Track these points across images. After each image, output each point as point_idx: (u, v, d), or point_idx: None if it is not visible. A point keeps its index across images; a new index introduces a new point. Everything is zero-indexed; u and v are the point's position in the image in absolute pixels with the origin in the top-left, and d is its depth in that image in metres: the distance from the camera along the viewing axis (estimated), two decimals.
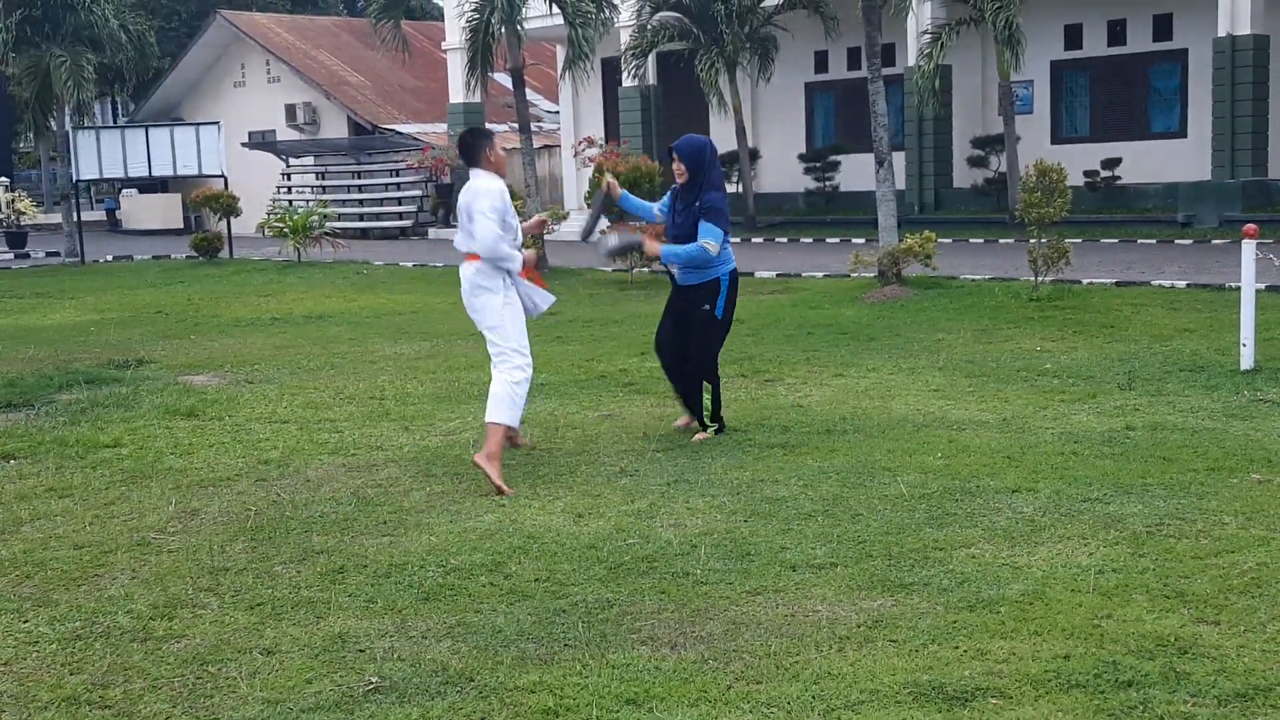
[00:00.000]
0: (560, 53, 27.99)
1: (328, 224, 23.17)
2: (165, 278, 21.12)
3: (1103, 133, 23.83)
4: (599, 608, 4.81)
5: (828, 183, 26.40)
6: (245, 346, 12.50)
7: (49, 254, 27.51)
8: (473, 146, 7.00)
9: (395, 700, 4.08)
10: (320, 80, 34.19)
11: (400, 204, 31.44)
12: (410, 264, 21.68)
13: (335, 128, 34.26)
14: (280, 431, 8.24)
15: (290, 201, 30.72)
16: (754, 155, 26.83)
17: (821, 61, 27.16)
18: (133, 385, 10.11)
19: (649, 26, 24.29)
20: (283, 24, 37.50)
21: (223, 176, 25.54)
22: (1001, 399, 8.54)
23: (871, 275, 14.72)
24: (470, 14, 22.06)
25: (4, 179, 32.95)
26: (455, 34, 27.87)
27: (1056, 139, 24.25)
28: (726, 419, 7.78)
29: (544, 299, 7.21)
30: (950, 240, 19.86)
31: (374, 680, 4.22)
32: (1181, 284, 13.91)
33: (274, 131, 35.12)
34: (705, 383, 7.60)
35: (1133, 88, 23.58)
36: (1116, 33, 23.57)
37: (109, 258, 26.07)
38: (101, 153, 24.84)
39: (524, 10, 21.51)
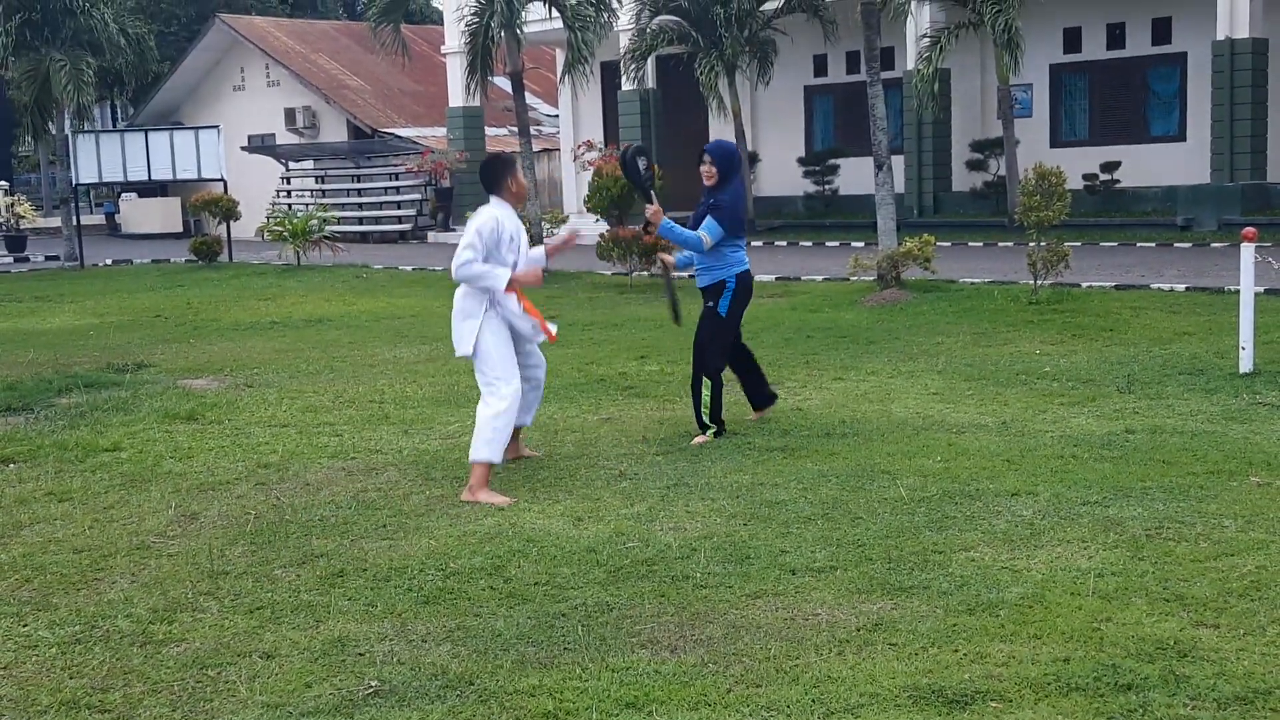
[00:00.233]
0: (560, 56, 28.00)
1: (327, 228, 23.17)
2: (164, 281, 21.12)
3: (1102, 136, 23.85)
4: (599, 611, 4.81)
5: (827, 186, 26.41)
6: (245, 350, 12.50)
7: (48, 258, 27.51)
8: (496, 174, 6.87)
9: (395, 704, 4.08)
10: (320, 84, 34.20)
11: (399, 208, 31.44)
12: (409, 268, 21.68)
13: (335, 131, 34.27)
14: (280, 435, 8.24)
15: (290, 205, 30.71)
16: (753, 159, 26.85)
17: (821, 65, 27.17)
18: (132, 389, 10.11)
19: (648, 30, 24.30)
20: (282, 28, 37.51)
21: (222, 180, 25.56)
22: (1001, 402, 8.54)
23: (871, 279, 14.73)
24: (470, 18, 22.07)
25: (3, 183, 32.97)
26: (455, 38, 27.89)
27: (1055, 142, 24.27)
28: (726, 421, 7.78)
29: (536, 331, 7.03)
30: (949, 244, 19.87)
31: (374, 684, 4.22)
32: (1181, 287, 13.92)
33: (273, 135, 35.14)
34: (707, 381, 7.65)
35: (1132, 91, 23.60)
36: (1115, 36, 23.59)
37: (108, 261, 26.07)
38: (101, 156, 24.85)
39: (523, 14, 21.52)
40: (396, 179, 31.57)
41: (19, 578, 5.49)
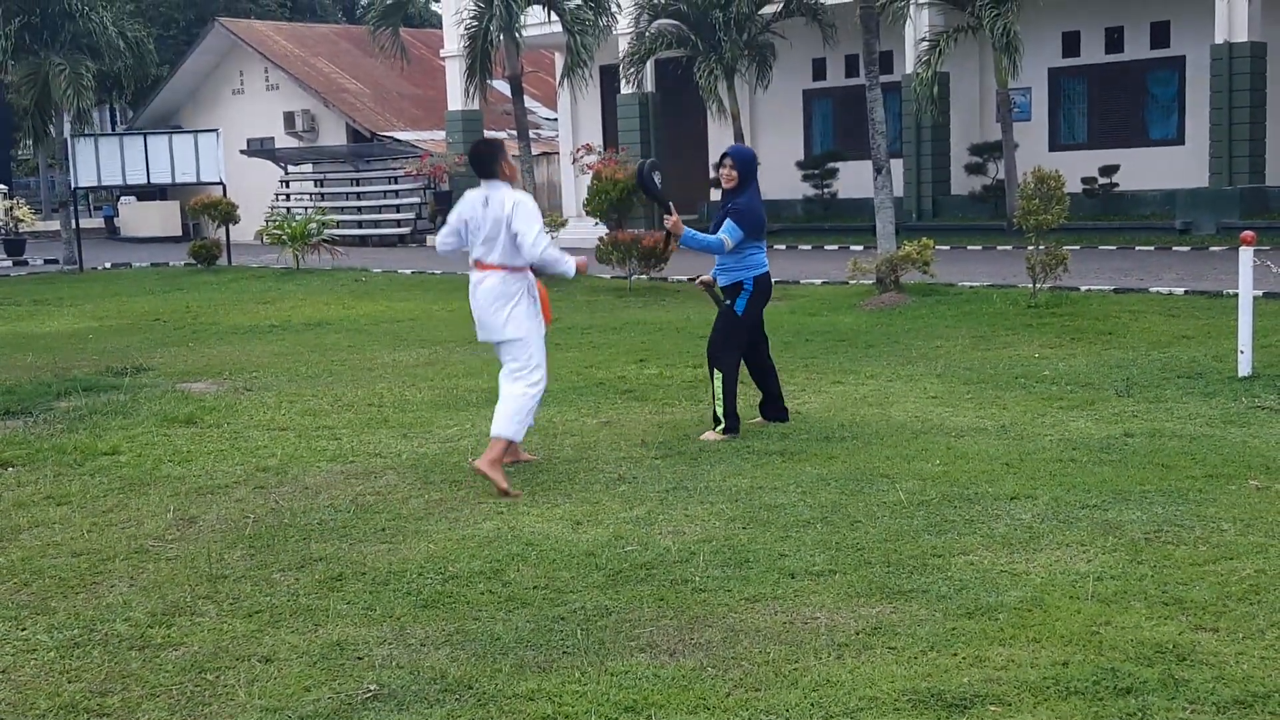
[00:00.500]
0: (559, 60, 28.01)
1: (326, 231, 23.17)
2: (163, 285, 21.11)
3: (1100, 140, 23.86)
4: (597, 615, 4.81)
5: (826, 190, 26.41)
6: (243, 354, 12.50)
7: (47, 261, 27.50)
8: (488, 157, 6.98)
9: (393, 708, 4.08)
10: (319, 88, 34.21)
11: (399, 211, 31.44)
12: (408, 271, 21.68)
13: (334, 135, 34.28)
14: (279, 439, 8.24)
15: (289, 209, 30.71)
16: None
17: (819, 69, 27.19)
18: (131, 393, 10.11)
19: (647, 34, 24.31)
20: (281, 31, 37.53)
21: (221, 184, 25.55)
22: (1000, 406, 8.54)
23: (870, 282, 14.74)
24: (469, 21, 22.09)
25: (2, 186, 32.94)
26: (454, 41, 27.90)
27: (1054, 146, 24.28)
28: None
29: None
30: (948, 247, 19.89)
31: (372, 688, 4.22)
32: (1179, 291, 13.92)
33: (272, 139, 35.14)
34: (718, 374, 7.80)
35: (1130, 95, 23.62)
36: (1114, 40, 23.61)
37: (107, 265, 26.06)
38: (100, 160, 24.85)
39: (522, 18, 21.55)
40: (395, 182, 31.58)
41: (17, 581, 5.48)
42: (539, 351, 7.07)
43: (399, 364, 11.44)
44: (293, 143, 34.50)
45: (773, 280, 8.21)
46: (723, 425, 7.77)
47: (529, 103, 27.15)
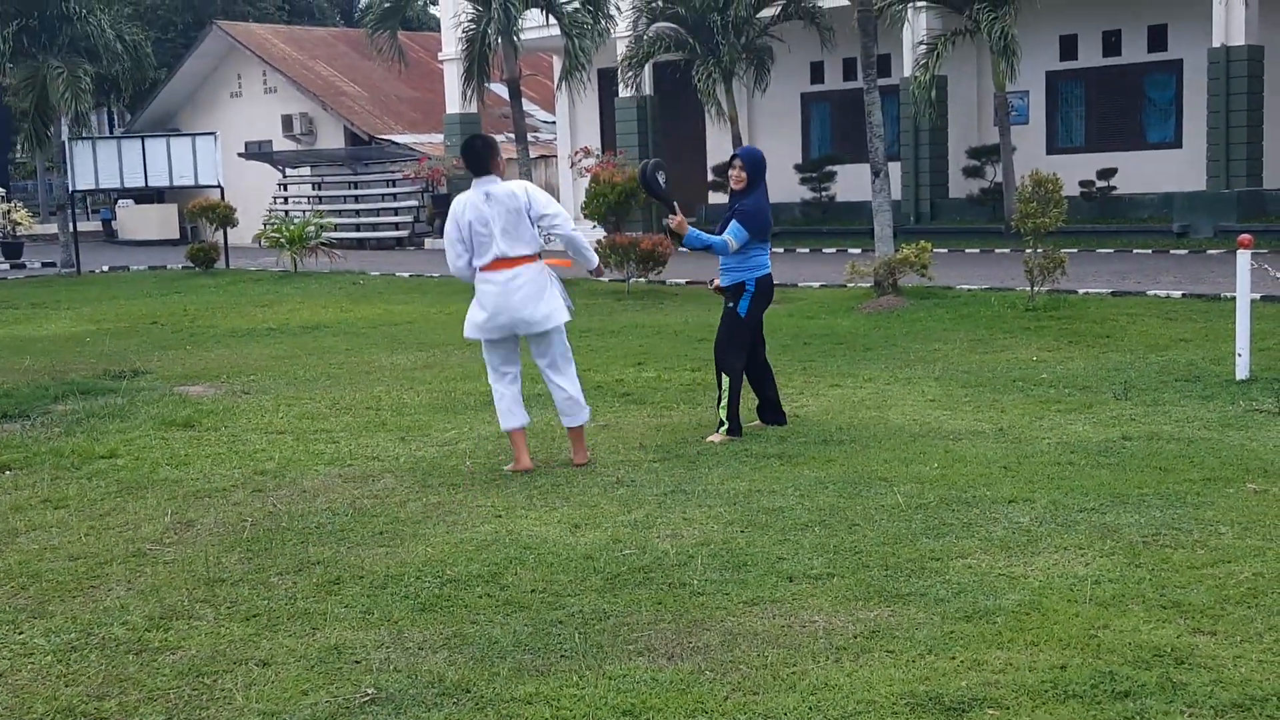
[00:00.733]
0: (557, 63, 28.03)
1: (324, 234, 23.17)
2: (161, 288, 21.10)
3: (1098, 143, 23.89)
4: (596, 619, 4.80)
5: (824, 193, 26.43)
6: (241, 357, 12.49)
7: (45, 264, 27.49)
8: (485, 153, 7.10)
9: (391, 712, 4.08)
10: (317, 91, 34.21)
11: (397, 214, 31.45)
12: (406, 274, 21.68)
13: (332, 138, 34.29)
14: (276, 442, 8.23)
15: (287, 212, 30.72)
16: None
17: (817, 72, 27.21)
18: (128, 396, 10.10)
19: (645, 37, 24.33)
20: (279, 35, 37.53)
21: (219, 187, 25.55)
22: (998, 409, 8.55)
23: (868, 285, 14.74)
24: (467, 25, 22.12)
25: (0, 189, 32.94)
26: (452, 45, 27.90)
27: (1052, 149, 24.30)
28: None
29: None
30: (946, 250, 19.89)
31: (370, 692, 4.22)
32: (1177, 294, 13.93)
33: (270, 142, 35.14)
34: (724, 375, 7.86)
35: (1128, 98, 23.64)
36: (1111, 43, 23.63)
37: (105, 268, 26.06)
38: (98, 163, 24.85)
39: (520, 21, 21.57)
40: (393, 186, 31.59)
41: (15, 585, 5.48)
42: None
43: (397, 367, 11.44)
44: (291, 146, 34.50)
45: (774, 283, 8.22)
46: (726, 427, 7.79)
47: (527, 106, 27.17)
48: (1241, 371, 9.13)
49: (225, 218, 24.71)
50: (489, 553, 5.65)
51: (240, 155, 32.82)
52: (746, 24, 23.54)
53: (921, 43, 22.54)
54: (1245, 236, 9.44)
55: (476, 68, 21.91)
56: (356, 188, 32.48)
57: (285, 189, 33.56)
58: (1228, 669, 4.12)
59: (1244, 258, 9.24)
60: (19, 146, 36.29)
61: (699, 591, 5.06)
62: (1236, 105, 20.54)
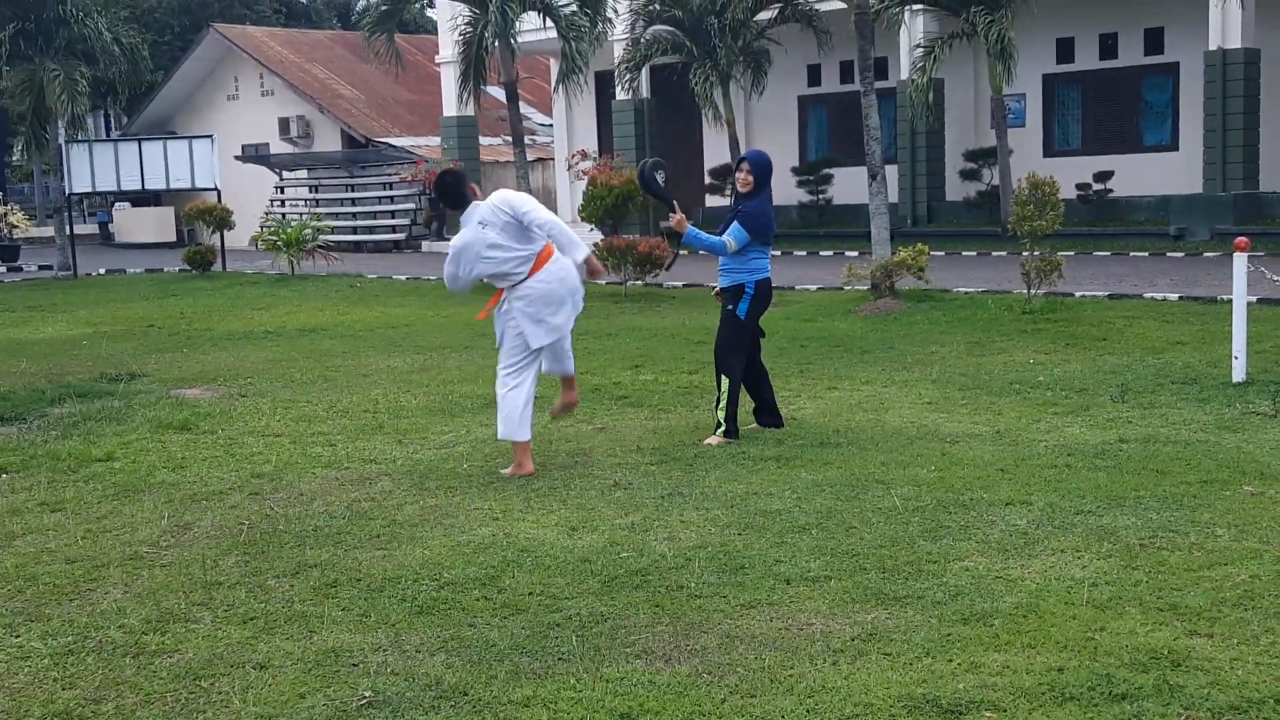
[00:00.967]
0: (554, 66, 28.02)
1: (321, 237, 23.16)
2: (158, 291, 21.10)
3: (1095, 146, 23.91)
4: (593, 621, 4.80)
5: (821, 196, 26.44)
6: (238, 360, 12.49)
7: (41, 267, 27.46)
8: (455, 188, 7.24)
9: (388, 715, 4.08)
10: (314, 93, 34.21)
11: (394, 217, 31.43)
12: (403, 277, 21.67)
13: (329, 141, 34.28)
14: (273, 445, 8.23)
15: (284, 215, 30.71)
16: None
17: (814, 75, 27.23)
18: (125, 399, 10.09)
19: (642, 40, 24.34)
20: (276, 37, 37.52)
21: (216, 190, 25.53)
22: (994, 411, 8.55)
23: (865, 288, 14.75)
24: (464, 28, 22.11)
25: None
26: (449, 48, 27.91)
27: (1049, 152, 24.31)
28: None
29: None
30: (943, 253, 19.91)
31: (367, 695, 4.21)
32: (1173, 297, 13.94)
33: (267, 145, 35.13)
34: (724, 378, 7.88)
35: (1125, 101, 23.66)
36: (1108, 46, 23.66)
37: (101, 271, 26.04)
38: (94, 166, 24.85)
39: (517, 24, 21.55)
40: (390, 188, 31.57)
41: (11, 588, 5.47)
42: None
43: (394, 370, 11.44)
44: (288, 149, 34.49)
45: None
46: (724, 429, 7.80)
47: (524, 109, 27.19)
48: (1238, 374, 9.14)
49: (222, 220, 24.70)
50: (486, 555, 5.65)
51: (237, 158, 32.80)
52: (744, 27, 23.55)
53: (918, 46, 22.56)
54: (1242, 239, 9.46)
55: (473, 71, 21.90)
56: (353, 190, 32.47)
57: (282, 192, 33.54)
58: (1224, 671, 4.13)
59: (1240, 260, 9.25)
60: (15, 149, 36.30)
61: (696, 594, 5.06)
62: (1233, 108, 20.57)
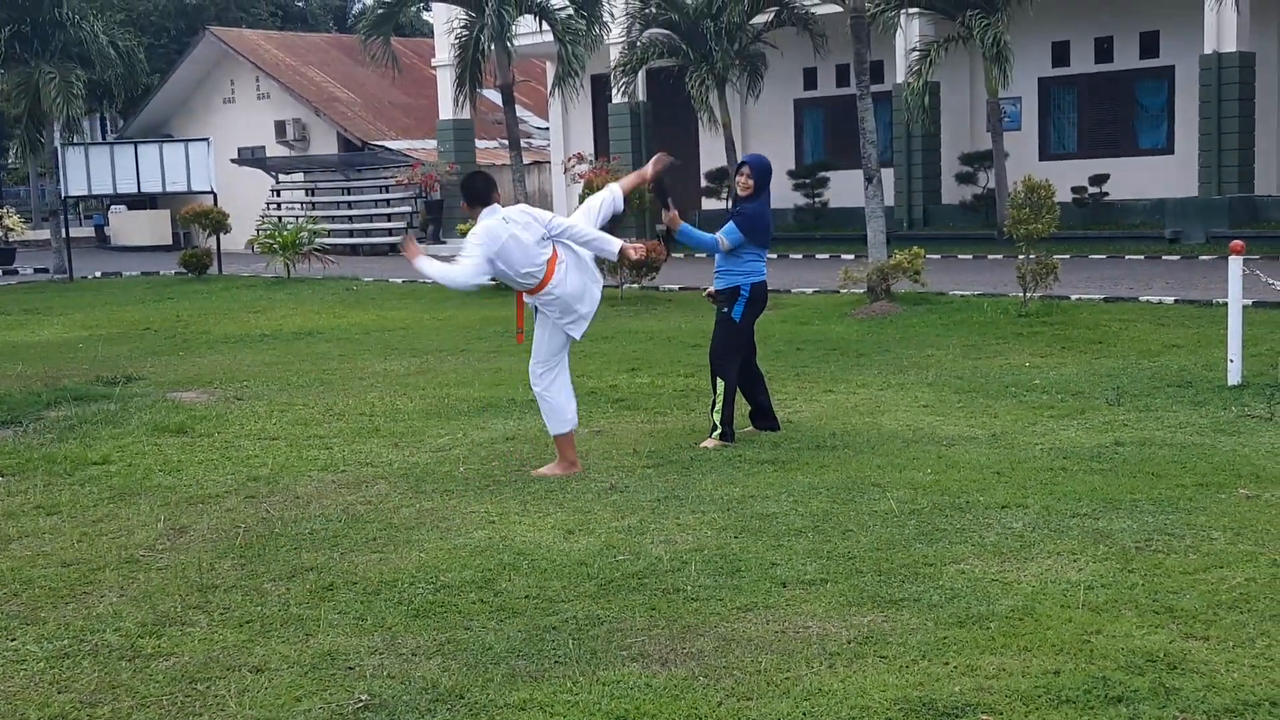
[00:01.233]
0: (550, 69, 28.05)
1: (317, 240, 23.16)
2: (154, 294, 21.08)
3: (1090, 149, 23.94)
4: (589, 624, 4.80)
5: (817, 199, 26.46)
6: (234, 363, 12.48)
7: (37, 270, 27.45)
8: (485, 190, 7.27)
9: (385, 718, 4.07)
10: (310, 97, 34.21)
11: (390, 220, 31.43)
12: (400, 280, 21.67)
13: (325, 144, 34.27)
14: (270, 448, 8.22)
15: (280, 218, 30.68)
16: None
17: (810, 78, 27.25)
18: (121, 402, 10.08)
19: (639, 43, 24.35)
20: (272, 41, 37.52)
21: (212, 193, 25.52)
22: (990, 415, 8.56)
23: (861, 291, 14.76)
24: (460, 31, 22.12)
25: None
26: (445, 51, 27.93)
27: (1044, 155, 24.34)
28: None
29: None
30: (939, 256, 19.91)
31: (364, 698, 4.21)
32: (1169, 300, 13.96)
33: (263, 148, 35.12)
34: (719, 380, 7.90)
35: (1120, 104, 23.70)
36: (1104, 50, 23.69)
37: (97, 274, 26.02)
38: (90, 169, 24.82)
39: (513, 27, 21.56)
40: (387, 191, 31.58)
41: (7, 591, 5.47)
42: None
43: (390, 373, 11.43)
44: (284, 152, 34.49)
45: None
46: (720, 432, 7.81)
47: (520, 112, 27.17)
48: (1233, 377, 9.15)
49: (218, 224, 24.69)
50: (482, 559, 5.65)
51: (233, 161, 32.79)
52: (739, 30, 23.58)
53: (914, 49, 22.58)
54: (1237, 242, 9.48)
55: (469, 74, 21.91)
56: (350, 193, 32.46)
57: (278, 195, 33.54)
58: (1220, 674, 4.13)
59: (1236, 263, 9.26)
60: (11, 152, 36.27)
61: (693, 597, 5.06)
62: (1228, 111, 20.60)
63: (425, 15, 41.13)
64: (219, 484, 7.28)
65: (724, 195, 25.67)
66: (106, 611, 5.15)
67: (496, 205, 7.24)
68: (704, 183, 27.45)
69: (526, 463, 7.52)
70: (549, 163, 31.73)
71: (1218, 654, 4.30)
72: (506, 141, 22.16)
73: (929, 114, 22.45)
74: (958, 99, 24.88)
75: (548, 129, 32.68)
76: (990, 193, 23.15)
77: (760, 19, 23.81)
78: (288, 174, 33.42)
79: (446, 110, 29.44)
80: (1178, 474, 6.68)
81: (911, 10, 22.60)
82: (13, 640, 4.88)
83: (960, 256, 21.13)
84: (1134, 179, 22.83)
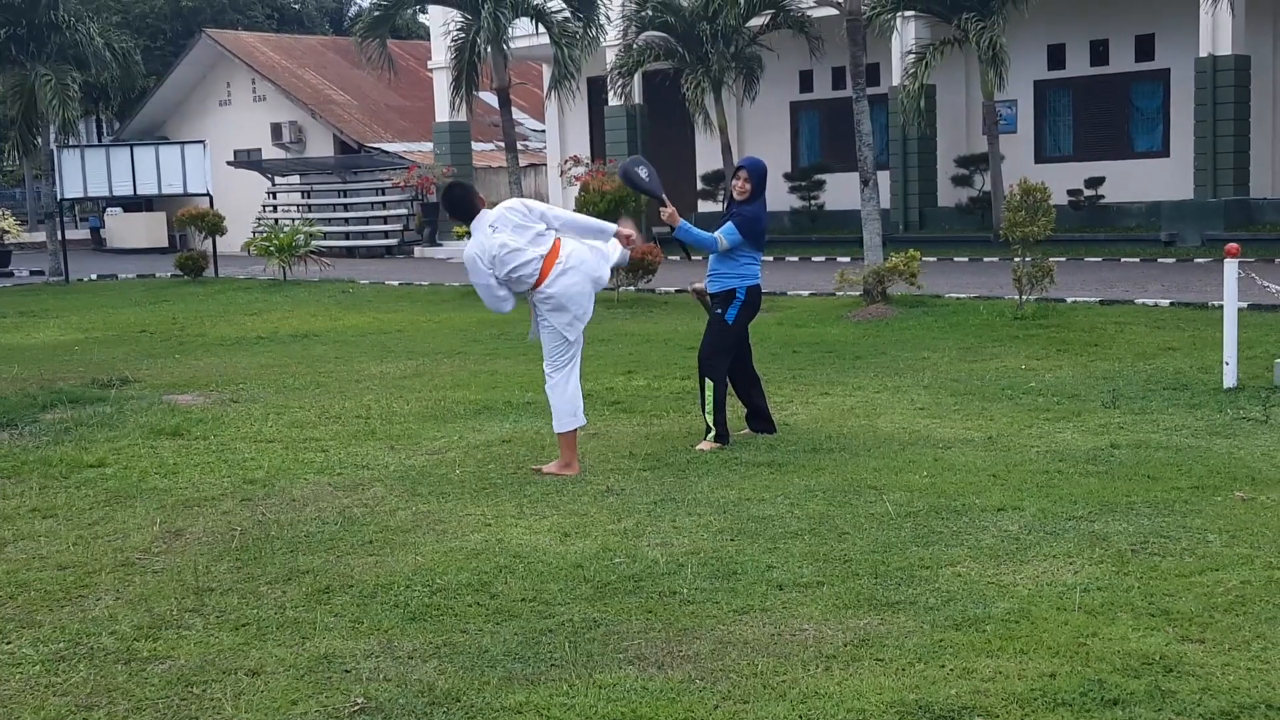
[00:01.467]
0: (546, 72, 28.05)
1: (313, 243, 23.14)
2: (150, 297, 21.06)
3: (1086, 152, 23.96)
4: (586, 627, 4.80)
5: (813, 202, 26.48)
6: (230, 366, 12.47)
7: (33, 273, 27.42)
8: (464, 201, 7.29)
9: None
10: (306, 99, 34.20)
11: (386, 222, 31.42)
12: (396, 282, 21.66)
13: (321, 146, 34.26)
14: (266, 451, 8.22)
15: (276, 220, 30.66)
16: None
17: (806, 81, 27.27)
18: (117, 405, 10.07)
19: (635, 46, 24.36)
20: (269, 43, 37.51)
21: (208, 195, 25.51)
22: (986, 417, 8.56)
23: (857, 294, 14.76)
24: (456, 33, 22.12)
25: None
26: (441, 53, 27.90)
27: (1040, 158, 24.38)
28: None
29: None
30: (935, 259, 19.93)
31: (360, 701, 4.21)
32: (1165, 302, 13.98)
33: (260, 150, 35.11)
34: (709, 383, 7.86)
35: (1115, 107, 23.73)
36: (1099, 52, 23.72)
37: (93, 277, 25.99)
38: (86, 171, 24.80)
39: (510, 30, 21.57)
40: (383, 194, 31.56)
41: (3, 595, 5.46)
42: None
43: (386, 376, 11.43)
44: (280, 154, 34.47)
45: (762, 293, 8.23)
46: (714, 434, 7.81)
47: (516, 114, 27.20)
48: (1229, 380, 9.16)
49: (214, 226, 24.67)
50: (479, 561, 5.65)
51: (229, 164, 32.78)
52: (736, 33, 23.59)
53: (910, 52, 22.60)
54: (1233, 245, 9.49)
55: (466, 76, 21.91)
56: (346, 196, 32.45)
57: (274, 197, 33.51)
58: (1216, 677, 4.13)
59: (1231, 266, 9.27)
60: (6, 154, 36.23)
61: (689, 600, 5.06)
62: (1223, 114, 20.63)
63: (421, 18, 41.10)
64: (215, 487, 7.27)
65: (720, 198, 25.67)
66: (102, 614, 5.15)
67: (484, 211, 7.22)
68: (700, 185, 27.45)
69: (523, 465, 7.52)
70: (545, 165, 31.73)
71: (1213, 657, 4.30)
72: (503, 144, 22.15)
73: (925, 117, 22.46)
74: (953, 102, 24.90)
75: (544, 131, 32.70)
76: (986, 195, 23.17)
77: (756, 21, 23.81)
78: (284, 176, 33.40)
79: (443, 113, 29.44)
80: (1173, 477, 6.69)
81: (907, 13, 22.62)
82: (8, 643, 4.87)
83: (956, 259, 21.15)
84: (1129, 182, 22.86)
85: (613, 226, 7.49)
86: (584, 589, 5.24)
